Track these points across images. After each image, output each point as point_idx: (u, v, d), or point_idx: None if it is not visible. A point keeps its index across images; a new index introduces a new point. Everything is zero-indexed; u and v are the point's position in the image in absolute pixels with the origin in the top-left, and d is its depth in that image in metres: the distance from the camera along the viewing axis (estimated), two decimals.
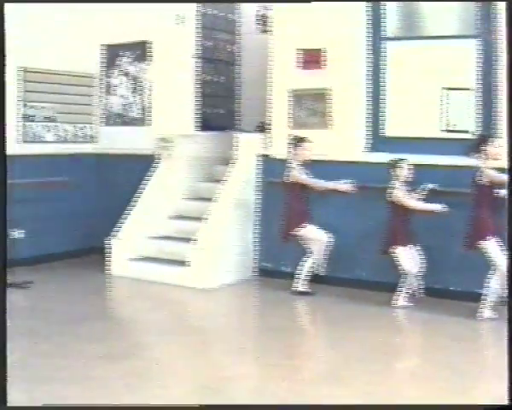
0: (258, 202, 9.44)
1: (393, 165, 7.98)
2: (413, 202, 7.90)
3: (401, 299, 7.91)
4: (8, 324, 7.38)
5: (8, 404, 4.52)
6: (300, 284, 8.50)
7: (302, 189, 8.49)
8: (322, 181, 8.46)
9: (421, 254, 7.99)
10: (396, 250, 7.90)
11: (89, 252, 10.39)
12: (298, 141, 8.54)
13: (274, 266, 9.34)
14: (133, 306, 8.51)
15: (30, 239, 9.40)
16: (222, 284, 8.86)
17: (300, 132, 8.76)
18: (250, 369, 6.18)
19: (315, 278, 8.58)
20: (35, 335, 6.74)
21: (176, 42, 10.28)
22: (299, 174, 8.44)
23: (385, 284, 8.25)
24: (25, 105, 9.79)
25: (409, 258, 7.92)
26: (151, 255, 9.48)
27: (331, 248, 8.46)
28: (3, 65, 3.48)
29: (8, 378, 4.04)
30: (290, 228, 8.48)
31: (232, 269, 9.13)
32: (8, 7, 3.85)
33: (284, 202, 8.57)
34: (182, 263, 8.90)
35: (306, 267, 8.50)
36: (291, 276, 8.65)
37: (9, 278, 8.33)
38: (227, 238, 9.14)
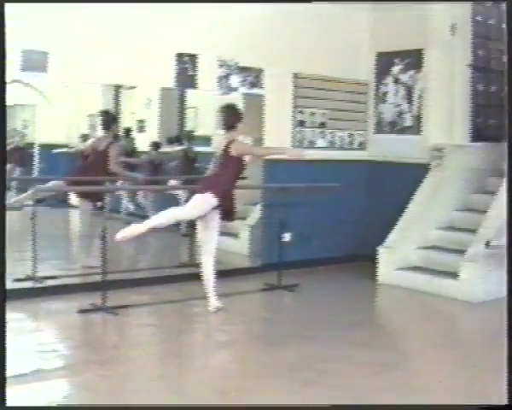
0: None
1: None
2: None
3: None
4: (279, 325, 7.56)
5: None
6: None
7: None
8: None
9: None
10: None
11: (354, 259, 10.36)
12: None
13: None
14: (401, 315, 8.39)
15: (297, 243, 9.53)
16: (494, 298, 8.44)
17: None
18: None
19: None
20: (305, 337, 6.83)
21: (449, 51, 10.08)
22: None
23: None
24: (296, 111, 10.03)
25: None
26: (419, 265, 9.33)
27: None
28: (3, 65, 3.49)
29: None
30: None
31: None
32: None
33: None
34: (451, 274, 8.65)
35: None
36: None
37: (276, 281, 8.67)
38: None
